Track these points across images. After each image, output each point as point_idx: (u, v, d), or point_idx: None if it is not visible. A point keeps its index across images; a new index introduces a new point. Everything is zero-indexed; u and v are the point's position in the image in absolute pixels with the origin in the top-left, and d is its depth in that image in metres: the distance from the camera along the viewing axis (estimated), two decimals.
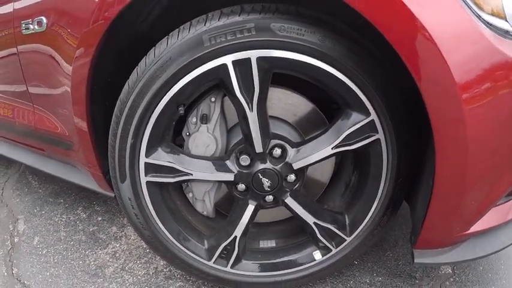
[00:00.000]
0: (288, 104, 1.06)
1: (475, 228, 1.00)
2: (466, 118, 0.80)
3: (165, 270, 1.34)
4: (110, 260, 1.40)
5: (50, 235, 1.55)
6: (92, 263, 1.39)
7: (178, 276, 1.32)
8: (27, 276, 1.35)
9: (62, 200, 1.80)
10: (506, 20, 0.83)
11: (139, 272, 1.34)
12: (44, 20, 1.19)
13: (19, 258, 1.44)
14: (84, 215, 1.68)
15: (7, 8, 1.39)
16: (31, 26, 1.26)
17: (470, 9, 0.80)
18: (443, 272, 1.34)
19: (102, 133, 1.21)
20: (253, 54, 0.87)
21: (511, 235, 1.09)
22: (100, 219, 1.65)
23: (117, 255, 1.43)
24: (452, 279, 1.32)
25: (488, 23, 0.81)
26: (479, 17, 0.80)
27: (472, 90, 0.79)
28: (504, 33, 0.82)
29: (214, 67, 0.89)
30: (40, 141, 1.55)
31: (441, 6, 0.78)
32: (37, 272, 1.36)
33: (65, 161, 1.55)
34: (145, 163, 1.00)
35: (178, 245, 1.11)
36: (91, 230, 1.57)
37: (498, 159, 0.87)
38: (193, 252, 1.13)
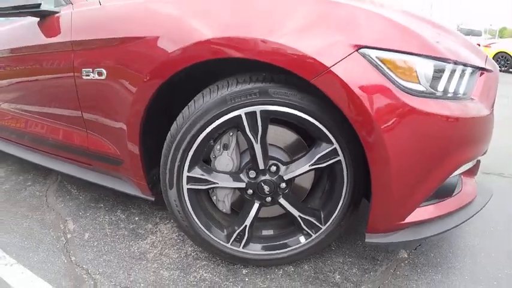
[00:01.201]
0: (281, 135, 1.50)
1: (408, 219, 1.36)
2: (385, 142, 1.18)
3: (193, 254, 1.75)
4: (150, 248, 1.79)
5: (97, 232, 1.91)
6: (136, 250, 1.76)
7: (203, 257, 1.71)
8: (84, 262, 1.67)
9: (102, 205, 2.20)
10: (420, 83, 1.19)
11: (174, 256, 1.73)
12: (104, 71, 1.56)
13: (75, 249, 1.76)
14: (123, 216, 2.08)
15: (67, 57, 1.68)
16: (91, 75, 1.60)
17: (390, 79, 1.16)
18: (400, 256, 1.70)
19: (149, 154, 1.64)
20: (257, 109, 1.32)
21: (443, 226, 1.45)
22: (137, 219, 2.06)
23: (155, 244, 1.82)
24: (406, 262, 1.66)
25: (406, 87, 1.18)
26: (398, 84, 1.17)
27: (389, 128, 1.16)
28: (419, 93, 1.19)
29: (233, 116, 1.34)
30: (89, 158, 1.89)
31: (369, 79, 1.16)
32: (92, 258, 1.70)
33: (109, 173, 1.90)
34: (187, 176, 1.45)
35: (206, 231, 1.54)
36: (131, 227, 1.97)
37: (414, 171, 1.26)
38: (216, 237, 1.55)
